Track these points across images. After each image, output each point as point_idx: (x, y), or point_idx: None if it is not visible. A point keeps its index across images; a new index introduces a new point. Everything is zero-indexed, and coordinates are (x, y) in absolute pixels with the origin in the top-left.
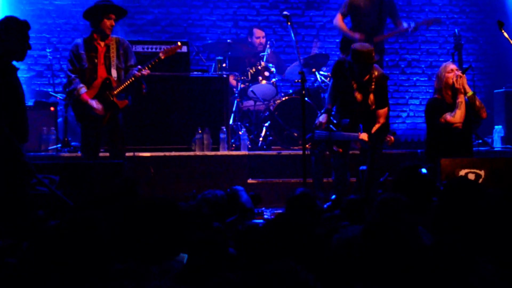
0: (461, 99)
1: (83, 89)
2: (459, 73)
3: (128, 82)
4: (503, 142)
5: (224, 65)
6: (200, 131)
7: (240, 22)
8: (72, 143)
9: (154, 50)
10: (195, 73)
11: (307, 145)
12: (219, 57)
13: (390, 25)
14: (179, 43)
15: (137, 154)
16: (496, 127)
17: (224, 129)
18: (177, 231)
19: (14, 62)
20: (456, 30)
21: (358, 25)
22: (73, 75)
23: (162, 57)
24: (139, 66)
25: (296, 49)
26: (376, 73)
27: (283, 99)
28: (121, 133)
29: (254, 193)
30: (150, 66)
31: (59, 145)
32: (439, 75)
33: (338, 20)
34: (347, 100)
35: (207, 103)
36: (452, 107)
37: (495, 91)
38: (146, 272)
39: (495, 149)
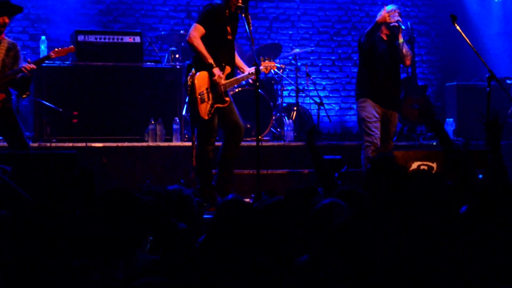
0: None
1: None
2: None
3: (8, 78)
4: (455, 134)
5: (177, 56)
6: (153, 122)
7: (193, 13)
8: (25, 133)
9: (106, 40)
10: (148, 63)
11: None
12: (173, 48)
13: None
14: (72, 47)
15: (89, 144)
16: (447, 119)
17: (177, 120)
18: (138, 225)
19: None
20: (408, 23)
21: None
22: None
23: (53, 56)
24: (28, 60)
25: (250, 40)
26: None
27: (236, 90)
28: (18, 131)
29: None
30: (37, 63)
31: None
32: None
33: None
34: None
35: (160, 94)
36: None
37: (447, 84)
38: (109, 266)
39: None
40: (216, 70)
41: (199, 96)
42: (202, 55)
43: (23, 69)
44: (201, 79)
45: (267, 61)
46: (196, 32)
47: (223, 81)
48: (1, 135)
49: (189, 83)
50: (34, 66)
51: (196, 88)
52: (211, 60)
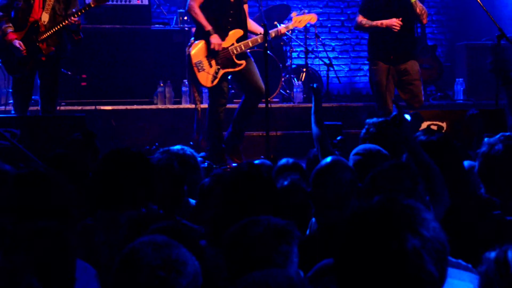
0: None
1: (9, 29)
2: None
3: (56, 28)
4: (465, 94)
5: (185, 18)
6: (162, 84)
7: None
8: (33, 97)
9: (114, 2)
10: (157, 26)
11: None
12: (181, 10)
13: None
14: None
15: (98, 107)
16: (457, 79)
17: (186, 82)
18: (146, 183)
19: None
20: None
21: None
22: (1, 13)
23: (92, 5)
24: (69, 13)
25: (258, 1)
26: None
27: None
28: (53, 87)
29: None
30: (79, 14)
31: None
32: None
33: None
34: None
35: (169, 56)
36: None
37: (457, 43)
38: (113, 222)
39: (457, 101)
40: (213, 38)
41: (196, 66)
42: (200, 24)
43: (72, 21)
44: (196, 48)
45: (301, 15)
46: (194, 1)
47: (221, 47)
48: (41, 84)
49: (187, 53)
50: (77, 18)
51: (192, 58)
52: (208, 28)
